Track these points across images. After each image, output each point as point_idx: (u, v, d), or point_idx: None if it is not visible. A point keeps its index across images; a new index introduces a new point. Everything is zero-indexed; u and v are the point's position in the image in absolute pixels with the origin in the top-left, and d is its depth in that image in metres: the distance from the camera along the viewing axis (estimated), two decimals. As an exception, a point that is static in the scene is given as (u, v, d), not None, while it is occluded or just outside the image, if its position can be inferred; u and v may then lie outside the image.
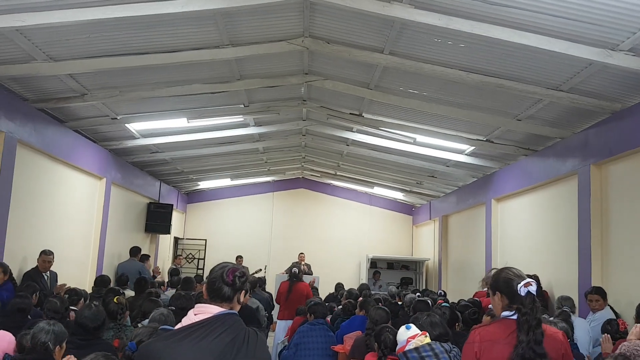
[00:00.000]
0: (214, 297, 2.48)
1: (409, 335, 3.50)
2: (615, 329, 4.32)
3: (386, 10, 5.17)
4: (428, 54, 6.16)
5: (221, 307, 2.46)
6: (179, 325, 2.46)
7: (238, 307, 2.56)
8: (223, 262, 2.63)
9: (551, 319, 4.26)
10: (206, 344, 2.26)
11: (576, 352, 4.17)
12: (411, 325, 3.61)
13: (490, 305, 4.13)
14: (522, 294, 2.68)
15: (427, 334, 3.56)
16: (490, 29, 5.13)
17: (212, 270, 2.56)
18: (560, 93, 6.28)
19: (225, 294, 2.46)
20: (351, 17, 5.73)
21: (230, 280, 2.46)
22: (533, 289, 2.69)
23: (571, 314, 5.58)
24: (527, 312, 2.63)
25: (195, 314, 2.46)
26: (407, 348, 3.44)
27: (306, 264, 13.58)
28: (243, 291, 2.54)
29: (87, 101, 7.51)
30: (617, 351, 3.04)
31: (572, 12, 4.71)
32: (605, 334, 4.37)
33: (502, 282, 2.77)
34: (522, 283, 2.69)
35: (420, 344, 3.45)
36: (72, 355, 3.36)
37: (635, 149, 5.95)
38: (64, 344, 3.63)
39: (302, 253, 13.94)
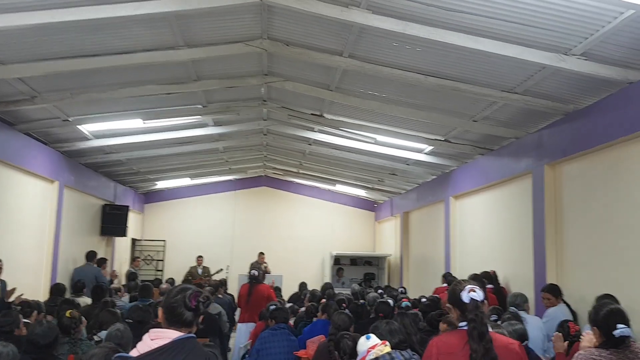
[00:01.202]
0: (174, 322, 2.41)
1: (369, 346, 3.51)
2: (566, 332, 4.42)
3: (344, 15, 5.15)
4: (387, 58, 6.18)
5: (180, 331, 2.39)
6: (134, 352, 2.38)
7: (195, 329, 2.51)
8: (181, 285, 2.57)
9: (501, 322, 4.31)
10: (166, 372, 2.21)
11: (533, 354, 4.26)
12: (371, 335, 3.62)
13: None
14: (466, 300, 2.69)
15: (387, 343, 3.58)
16: (445, 34, 5.18)
17: (170, 294, 2.48)
18: (515, 95, 6.41)
19: (186, 319, 2.41)
20: (310, 21, 5.68)
21: (193, 306, 2.40)
22: (476, 295, 2.69)
23: (521, 312, 5.63)
24: (473, 319, 2.64)
25: (152, 339, 2.38)
26: (367, 358, 3.45)
27: (265, 263, 13.39)
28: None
29: (37, 104, 7.21)
30: (574, 363, 3.06)
31: (526, 18, 4.79)
32: (557, 333, 4.47)
33: (454, 294, 2.79)
34: (466, 290, 2.70)
35: (381, 353, 3.47)
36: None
37: (588, 150, 6.12)
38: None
39: (262, 253, 13.67)
